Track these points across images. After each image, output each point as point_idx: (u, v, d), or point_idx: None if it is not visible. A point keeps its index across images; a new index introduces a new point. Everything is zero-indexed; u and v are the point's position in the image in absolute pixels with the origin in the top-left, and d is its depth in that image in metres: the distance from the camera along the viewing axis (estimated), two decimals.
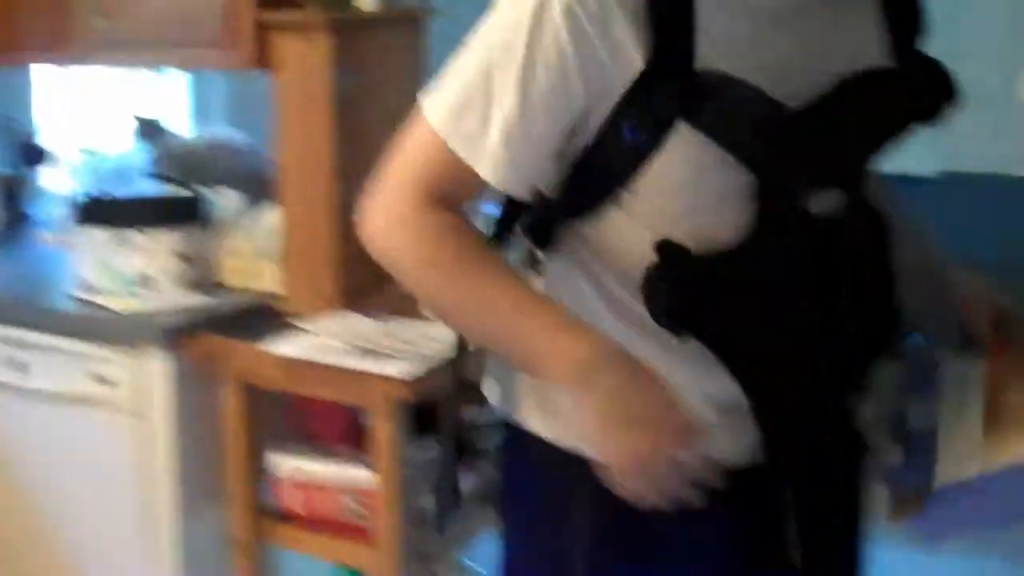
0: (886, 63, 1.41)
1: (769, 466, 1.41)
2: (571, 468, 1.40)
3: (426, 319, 2.48)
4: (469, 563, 2.87)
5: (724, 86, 1.25)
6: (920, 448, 1.56)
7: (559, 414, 1.43)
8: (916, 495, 1.55)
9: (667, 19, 1.25)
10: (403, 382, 2.21)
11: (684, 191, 1.31)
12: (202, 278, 2.67)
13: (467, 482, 2.49)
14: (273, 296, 2.62)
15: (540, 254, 1.47)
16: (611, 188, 1.33)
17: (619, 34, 1.25)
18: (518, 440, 1.52)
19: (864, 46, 1.40)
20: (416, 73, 2.73)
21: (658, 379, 1.27)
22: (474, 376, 1.61)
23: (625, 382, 1.26)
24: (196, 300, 2.59)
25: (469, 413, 2.53)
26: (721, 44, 1.27)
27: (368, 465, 2.29)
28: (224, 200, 2.76)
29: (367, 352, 2.30)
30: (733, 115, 1.26)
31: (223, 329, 2.49)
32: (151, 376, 2.45)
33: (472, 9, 4.34)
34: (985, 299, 1.57)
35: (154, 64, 3.23)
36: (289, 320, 2.48)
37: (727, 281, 1.33)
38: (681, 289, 1.32)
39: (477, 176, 1.33)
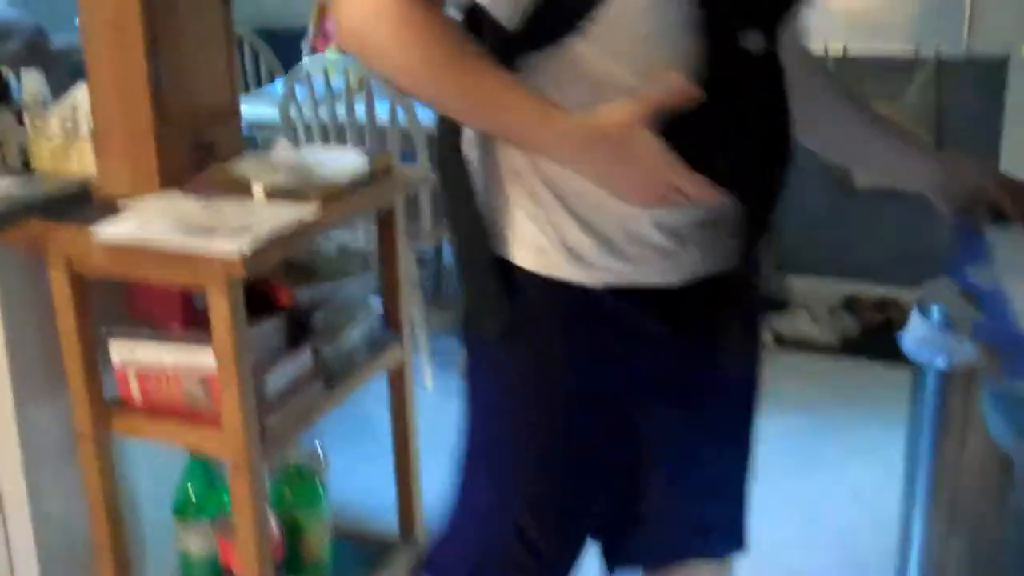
0: None
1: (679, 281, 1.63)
2: (546, 291, 1.62)
3: (251, 196, 2.46)
4: (315, 444, 2.91)
5: None
6: (996, 306, 1.74)
7: (526, 244, 1.62)
8: (1010, 348, 1.73)
9: None
10: (236, 258, 2.18)
11: (640, 20, 1.45)
12: (15, 164, 2.58)
13: (305, 362, 2.52)
14: (92, 179, 2.54)
15: None
16: (577, 17, 1.46)
17: None
18: (500, 269, 1.66)
19: None
20: None
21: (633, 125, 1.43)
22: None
23: (613, 139, 1.43)
24: (11, 186, 2.49)
25: (301, 293, 2.55)
26: None
27: (208, 347, 2.27)
28: (29, 82, 2.65)
29: (195, 231, 2.26)
30: None
31: (45, 213, 2.41)
32: None
33: None
34: (998, 177, 1.91)
35: None
36: (110, 202, 2.42)
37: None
38: None
39: None
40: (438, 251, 4.84)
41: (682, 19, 1.46)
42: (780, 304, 4.72)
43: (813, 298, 4.79)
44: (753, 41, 1.53)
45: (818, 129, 1.87)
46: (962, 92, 4.42)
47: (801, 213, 4.64)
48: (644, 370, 1.69)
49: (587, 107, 1.47)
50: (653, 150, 1.43)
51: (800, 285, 4.84)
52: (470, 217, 1.67)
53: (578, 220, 1.59)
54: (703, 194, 1.46)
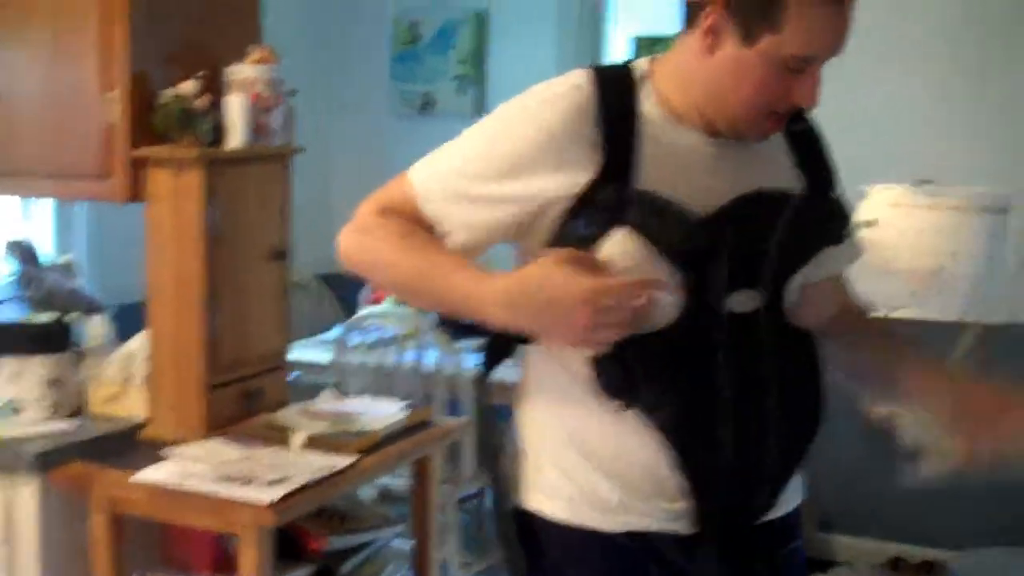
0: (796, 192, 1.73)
1: (698, 530, 1.69)
2: (564, 538, 1.73)
3: (288, 445, 2.59)
4: None
5: (647, 196, 1.60)
6: None
7: (554, 496, 1.73)
8: None
9: (615, 149, 1.62)
10: (267, 508, 2.30)
11: (620, 269, 1.59)
12: (71, 404, 2.74)
13: None
14: (141, 423, 2.70)
15: (524, 346, 1.76)
16: None
17: (570, 162, 1.61)
18: (524, 520, 1.78)
19: (777, 178, 1.72)
20: (283, 205, 2.87)
21: (548, 267, 1.54)
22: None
23: (534, 291, 1.53)
24: (65, 426, 2.65)
25: (334, 540, 2.64)
26: (661, 167, 1.62)
27: None
28: (93, 327, 2.83)
29: (232, 479, 2.39)
30: (654, 216, 1.60)
31: (91, 456, 2.55)
32: (20, 502, 2.50)
33: (331, 146, 4.53)
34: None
35: (31, 193, 3.30)
36: (156, 447, 2.56)
37: (659, 358, 1.63)
38: (618, 368, 1.63)
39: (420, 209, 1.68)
40: (480, 495, 4.90)
41: (666, 278, 1.60)
42: (823, 564, 4.69)
43: (857, 559, 4.76)
44: (741, 301, 1.65)
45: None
46: (1007, 358, 4.48)
47: (843, 473, 4.65)
48: None
49: (584, 355, 1.63)
50: (570, 284, 1.50)
51: (843, 545, 4.82)
52: (499, 471, 1.83)
53: (601, 470, 1.68)
54: (641, 291, 1.52)
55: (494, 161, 1.65)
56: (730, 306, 1.65)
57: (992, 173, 4.35)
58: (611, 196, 1.61)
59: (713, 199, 1.63)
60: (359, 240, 1.70)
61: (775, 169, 1.74)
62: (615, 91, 1.67)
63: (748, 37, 1.59)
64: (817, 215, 1.74)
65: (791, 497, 1.80)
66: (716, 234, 1.63)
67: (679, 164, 1.65)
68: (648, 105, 1.68)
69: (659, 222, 1.60)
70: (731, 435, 1.66)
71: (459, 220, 1.66)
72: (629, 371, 1.63)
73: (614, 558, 1.71)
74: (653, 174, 1.62)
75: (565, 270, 1.51)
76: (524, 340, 1.73)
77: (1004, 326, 4.39)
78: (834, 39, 1.60)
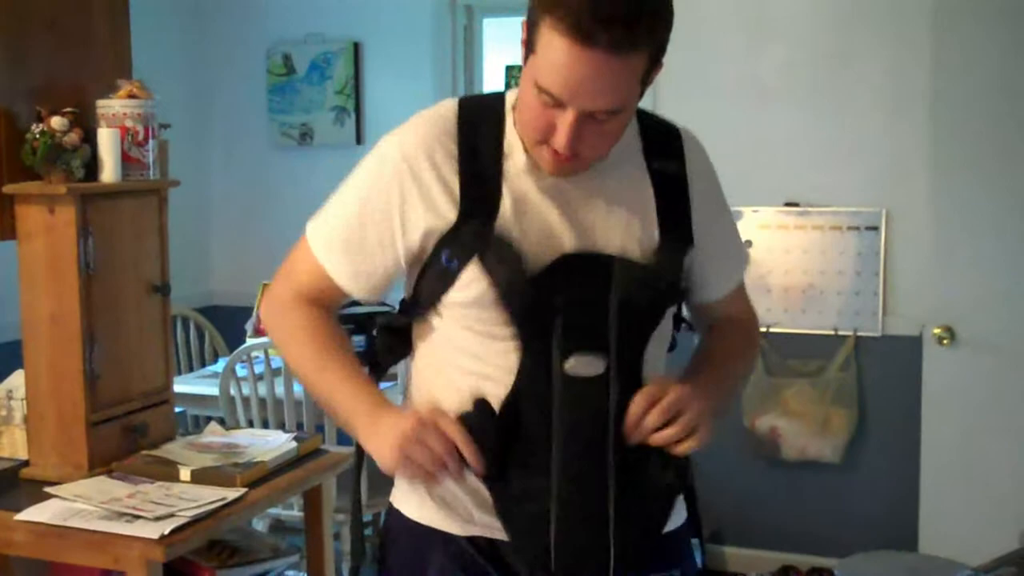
0: (648, 246, 1.68)
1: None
2: (424, 537, 1.75)
3: (175, 480, 2.56)
4: None
5: (501, 241, 1.61)
6: None
7: (409, 495, 1.78)
8: None
9: (474, 187, 1.65)
10: (156, 542, 2.28)
11: (473, 305, 1.63)
12: None
13: None
14: (22, 462, 2.65)
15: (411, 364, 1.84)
16: (432, 298, 1.69)
17: (435, 197, 1.65)
18: (391, 516, 1.84)
19: (625, 221, 1.68)
20: (160, 239, 2.85)
21: (407, 416, 1.63)
22: None
23: (391, 425, 1.62)
24: None
25: (223, 574, 2.62)
26: (518, 203, 1.63)
27: None
28: None
29: (119, 515, 2.36)
30: (502, 264, 1.60)
31: None
32: None
33: (210, 179, 4.51)
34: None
35: None
36: (39, 486, 2.51)
37: (492, 419, 1.63)
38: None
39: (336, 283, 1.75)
40: (376, 521, 4.89)
41: (502, 323, 1.62)
42: (717, 575, 4.77)
43: (748, 569, 4.84)
44: (583, 364, 1.60)
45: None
46: (880, 368, 4.61)
47: (732, 486, 4.74)
48: None
49: (436, 359, 1.73)
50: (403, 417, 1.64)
51: (734, 556, 4.90)
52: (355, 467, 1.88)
53: (461, 487, 1.69)
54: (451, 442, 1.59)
55: (366, 212, 1.70)
56: (569, 369, 1.60)
57: (863, 194, 4.53)
58: (473, 233, 1.62)
59: (555, 246, 1.63)
60: (277, 322, 1.82)
61: (622, 213, 1.68)
62: (481, 126, 1.68)
63: (526, 54, 1.57)
64: (648, 277, 1.66)
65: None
66: (545, 292, 1.60)
67: (532, 203, 1.64)
68: (512, 138, 1.67)
69: (504, 271, 1.60)
70: (559, 508, 1.63)
71: (351, 272, 1.73)
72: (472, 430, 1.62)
73: (457, 557, 1.72)
74: (510, 212, 1.63)
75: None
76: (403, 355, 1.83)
77: (875, 338, 4.55)
78: (571, 81, 1.50)
